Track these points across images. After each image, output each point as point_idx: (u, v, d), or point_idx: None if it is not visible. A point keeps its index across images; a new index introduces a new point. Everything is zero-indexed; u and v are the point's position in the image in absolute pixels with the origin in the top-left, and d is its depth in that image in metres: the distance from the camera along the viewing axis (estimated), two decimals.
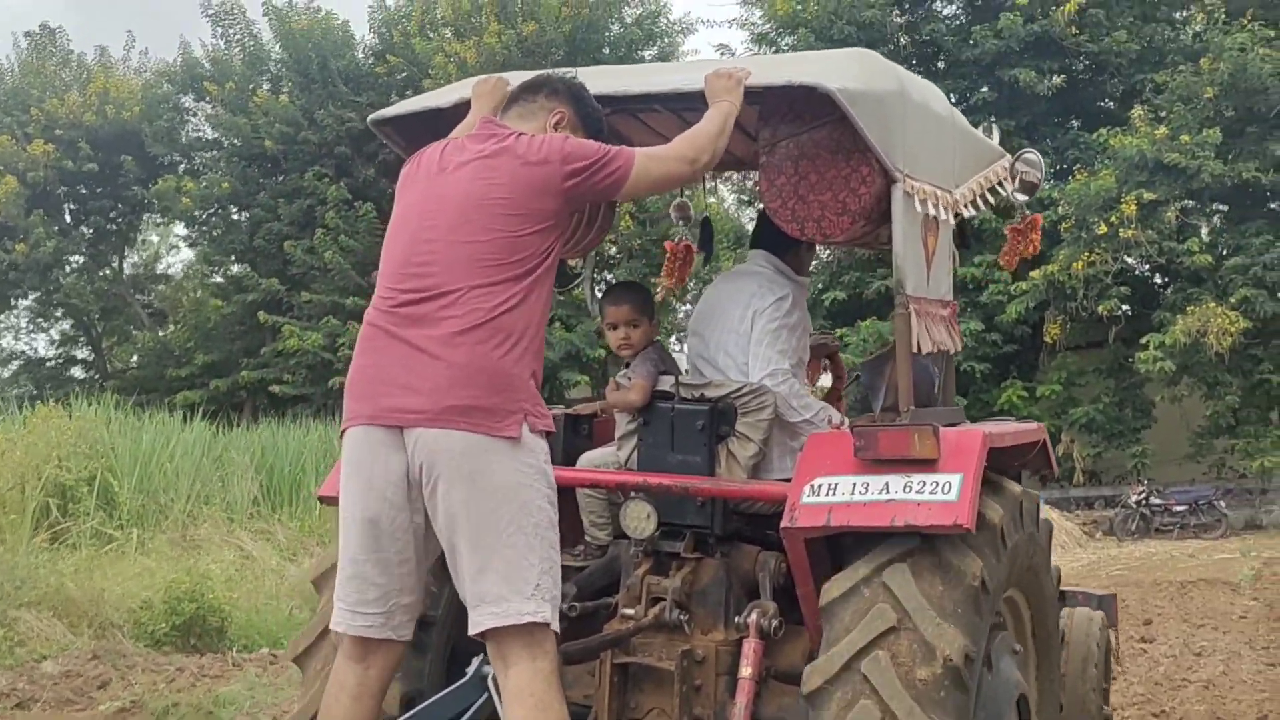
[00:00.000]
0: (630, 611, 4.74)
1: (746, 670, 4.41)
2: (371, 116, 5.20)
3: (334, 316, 28.64)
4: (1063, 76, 27.43)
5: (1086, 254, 25.74)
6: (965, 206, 5.13)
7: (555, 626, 4.07)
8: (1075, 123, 29.66)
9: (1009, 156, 5.48)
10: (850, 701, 3.95)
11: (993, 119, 7.40)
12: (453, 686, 4.55)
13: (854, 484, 4.20)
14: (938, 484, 4.12)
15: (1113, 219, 25.12)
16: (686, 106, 4.84)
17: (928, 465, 4.16)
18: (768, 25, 29.59)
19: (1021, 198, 5.37)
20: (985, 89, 29.10)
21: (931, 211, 4.69)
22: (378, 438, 4.07)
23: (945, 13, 30.26)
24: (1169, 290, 27.05)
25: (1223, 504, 25.57)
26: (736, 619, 4.59)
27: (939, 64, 29.37)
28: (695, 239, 6.32)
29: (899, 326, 4.55)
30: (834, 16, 27.64)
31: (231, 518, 15.14)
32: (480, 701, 4.46)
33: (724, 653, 4.65)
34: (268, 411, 26.15)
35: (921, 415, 4.43)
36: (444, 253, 4.08)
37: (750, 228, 6.19)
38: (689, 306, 28.29)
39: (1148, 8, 29.10)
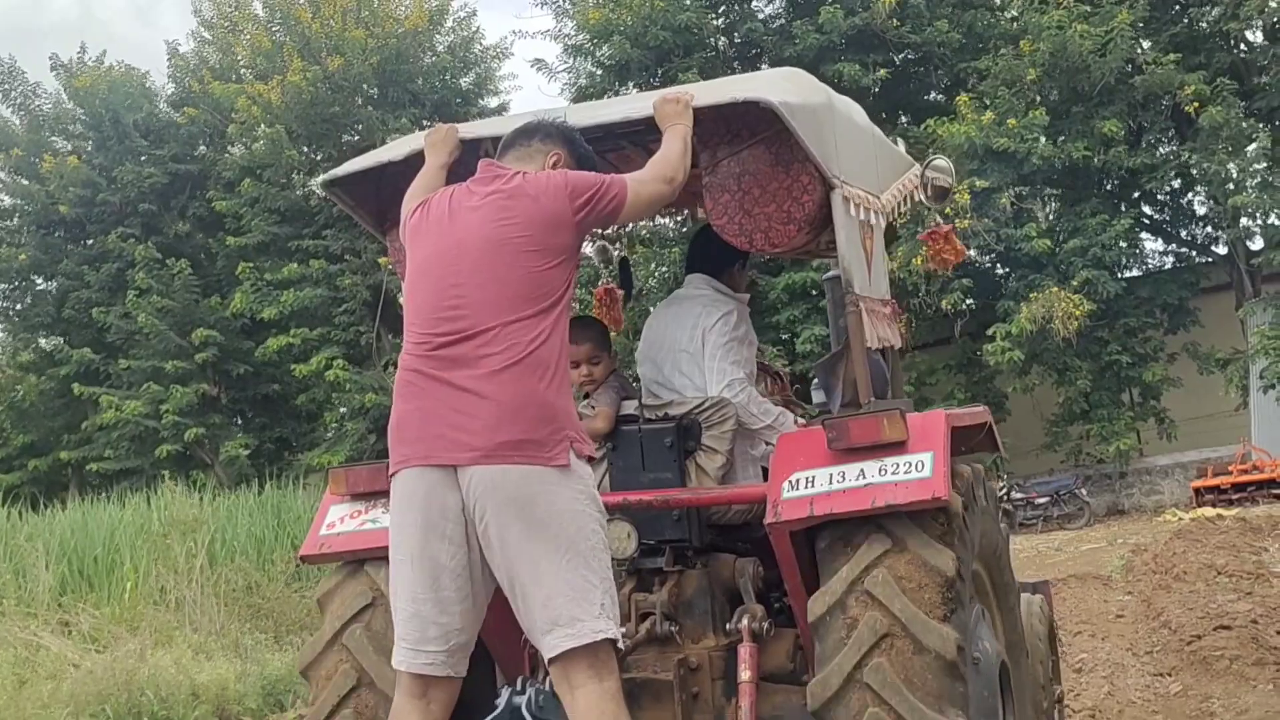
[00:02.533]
0: (621, 630, 4.72)
1: (745, 674, 4.58)
2: (322, 179, 5.30)
3: (155, 382, 27.44)
4: (887, 70, 26.99)
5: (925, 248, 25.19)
6: (891, 212, 5.40)
7: (621, 645, 4.23)
8: (904, 117, 29.27)
9: (918, 165, 5.80)
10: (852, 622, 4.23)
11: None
12: None
13: (830, 474, 4.38)
14: (910, 464, 4.31)
15: (947, 210, 24.62)
16: (610, 148, 5.10)
17: (898, 448, 4.34)
18: (581, 36, 28.74)
19: (935, 204, 5.72)
20: None
21: (864, 217, 4.95)
22: (433, 478, 4.19)
23: (765, 13, 29.66)
24: (1011, 279, 26.67)
25: (1084, 492, 25.33)
26: (726, 625, 4.80)
27: (761, 65, 28.47)
28: (615, 279, 6.50)
29: (852, 323, 4.80)
30: (648, 22, 26.84)
31: (30, 611, 13.77)
32: None
33: (717, 658, 4.85)
34: (97, 490, 24.71)
35: (880, 405, 4.63)
36: (473, 294, 4.21)
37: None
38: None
39: None
